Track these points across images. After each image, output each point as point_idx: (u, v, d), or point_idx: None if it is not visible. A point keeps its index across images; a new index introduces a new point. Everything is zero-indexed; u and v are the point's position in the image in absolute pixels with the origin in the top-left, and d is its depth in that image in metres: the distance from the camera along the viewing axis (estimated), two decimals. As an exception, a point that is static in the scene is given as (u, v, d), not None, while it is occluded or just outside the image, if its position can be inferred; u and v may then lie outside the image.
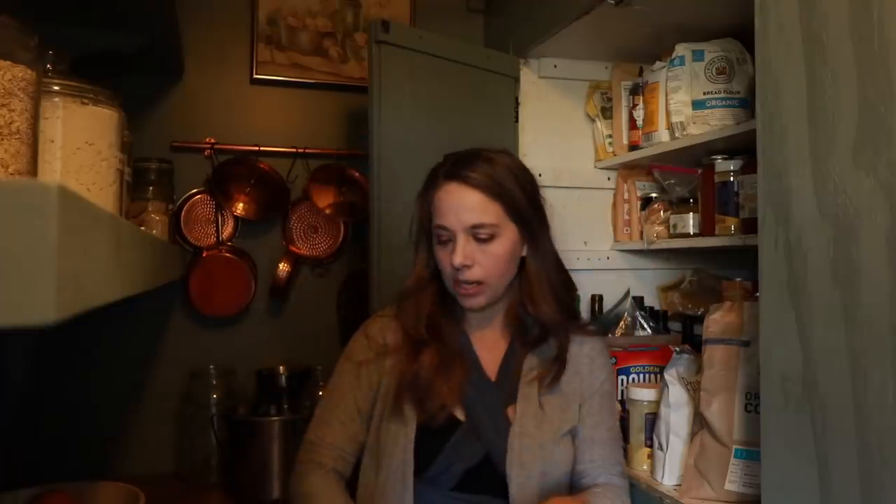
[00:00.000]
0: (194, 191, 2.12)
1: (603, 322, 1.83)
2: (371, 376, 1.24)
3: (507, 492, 1.14)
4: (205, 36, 2.12)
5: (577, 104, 2.03)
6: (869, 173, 0.80)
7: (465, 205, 1.16)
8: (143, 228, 1.44)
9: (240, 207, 2.13)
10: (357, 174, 2.18)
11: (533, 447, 1.16)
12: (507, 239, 1.18)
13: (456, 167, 1.19)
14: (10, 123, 0.57)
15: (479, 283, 1.18)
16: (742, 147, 1.47)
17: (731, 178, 1.49)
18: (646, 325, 1.78)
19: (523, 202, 1.19)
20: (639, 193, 1.90)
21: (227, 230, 2.14)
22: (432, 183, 1.21)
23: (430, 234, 1.22)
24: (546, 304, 1.21)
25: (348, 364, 1.27)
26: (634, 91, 1.83)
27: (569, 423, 1.21)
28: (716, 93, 1.59)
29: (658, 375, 1.52)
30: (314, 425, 1.25)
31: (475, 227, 1.16)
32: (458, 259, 1.15)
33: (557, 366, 1.21)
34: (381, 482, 1.16)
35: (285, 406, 1.93)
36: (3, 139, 0.56)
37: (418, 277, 1.25)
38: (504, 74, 1.94)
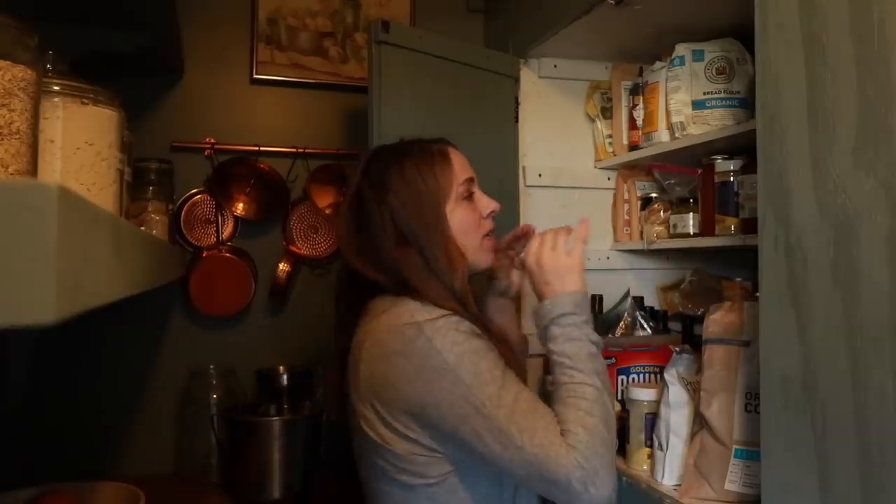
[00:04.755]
0: (194, 191, 2.12)
1: (603, 322, 1.83)
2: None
3: None
4: (205, 36, 2.13)
5: (577, 104, 2.03)
6: (869, 173, 0.80)
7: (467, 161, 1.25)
8: (143, 228, 1.43)
9: (240, 207, 2.13)
10: (357, 174, 2.17)
11: None
12: None
13: (433, 141, 1.24)
14: (10, 123, 0.57)
15: None
16: (742, 147, 1.47)
17: (731, 178, 1.49)
18: (646, 325, 1.78)
19: None
20: (639, 193, 1.90)
21: (227, 230, 2.14)
22: (433, 155, 1.19)
23: (444, 203, 1.18)
24: None
25: (478, 341, 1.06)
26: (634, 91, 1.83)
27: None
28: (716, 93, 1.59)
29: (658, 375, 1.52)
30: (539, 415, 1.01)
31: None
32: (496, 203, 1.23)
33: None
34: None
35: (285, 406, 1.93)
36: (3, 139, 0.56)
37: (461, 257, 1.16)
38: (504, 74, 1.94)
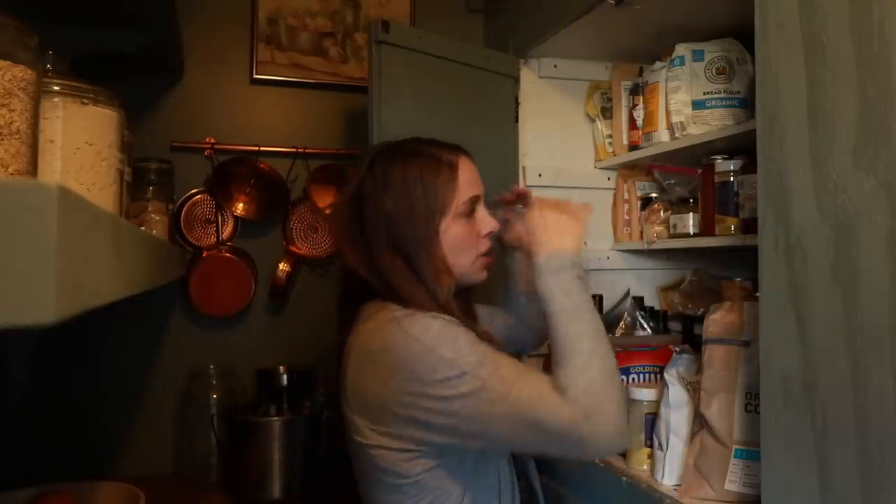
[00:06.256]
0: (194, 191, 2.12)
1: (603, 322, 1.83)
2: None
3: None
4: (205, 36, 2.13)
5: (577, 104, 2.03)
6: (869, 174, 0.80)
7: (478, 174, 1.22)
8: (143, 228, 1.43)
9: (240, 207, 2.13)
10: (357, 174, 2.17)
11: None
12: None
13: (449, 145, 1.20)
14: (10, 123, 0.57)
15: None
16: (742, 147, 1.47)
17: (731, 178, 1.49)
18: (646, 325, 1.78)
19: None
20: (639, 193, 1.90)
21: (227, 230, 2.14)
22: (441, 165, 1.16)
23: (439, 218, 1.15)
24: None
25: (454, 325, 1.07)
26: (634, 91, 1.83)
27: None
28: (716, 93, 1.59)
29: (658, 375, 1.52)
30: (526, 373, 1.03)
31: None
32: (495, 222, 1.20)
33: None
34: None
35: (285, 406, 1.93)
36: (3, 139, 0.56)
37: (447, 275, 1.15)
38: (504, 74, 1.94)
